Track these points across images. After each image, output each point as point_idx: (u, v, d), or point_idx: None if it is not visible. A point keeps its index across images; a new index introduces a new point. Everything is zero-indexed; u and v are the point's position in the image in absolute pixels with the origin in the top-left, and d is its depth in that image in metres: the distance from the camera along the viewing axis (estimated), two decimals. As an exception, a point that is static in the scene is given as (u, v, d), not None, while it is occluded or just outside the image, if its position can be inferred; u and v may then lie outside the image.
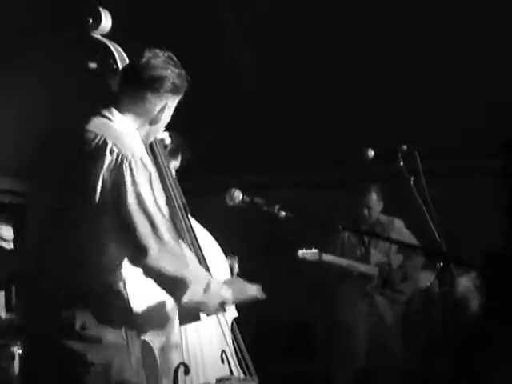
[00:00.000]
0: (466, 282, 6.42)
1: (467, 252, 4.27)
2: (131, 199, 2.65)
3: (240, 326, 3.55)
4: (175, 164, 3.82)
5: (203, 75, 3.01)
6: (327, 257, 5.75)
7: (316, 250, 5.68)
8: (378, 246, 6.03)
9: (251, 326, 6.80)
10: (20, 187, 6.48)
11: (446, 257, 3.32)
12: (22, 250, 2.93)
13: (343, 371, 5.93)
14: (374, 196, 6.05)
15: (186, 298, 2.76)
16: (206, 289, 2.81)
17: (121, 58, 2.95)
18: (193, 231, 3.30)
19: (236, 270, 4.29)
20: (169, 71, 2.82)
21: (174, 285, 2.74)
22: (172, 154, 3.76)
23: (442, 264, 3.35)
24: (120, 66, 2.94)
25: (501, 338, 5.68)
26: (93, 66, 2.94)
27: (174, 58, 2.88)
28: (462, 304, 6.25)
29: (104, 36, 2.97)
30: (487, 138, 6.32)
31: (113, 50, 2.95)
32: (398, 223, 6.10)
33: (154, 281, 2.75)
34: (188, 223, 3.29)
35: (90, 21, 2.93)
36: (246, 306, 3.23)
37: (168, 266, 2.69)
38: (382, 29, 6.69)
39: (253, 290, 3.16)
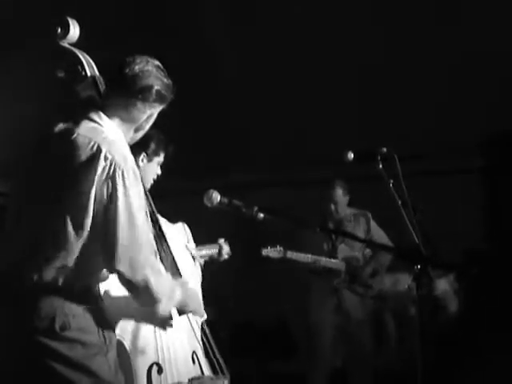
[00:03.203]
0: (444, 285, 6.46)
1: (447, 252, 4.27)
2: (121, 209, 2.69)
3: (219, 326, 3.58)
4: (159, 160, 3.83)
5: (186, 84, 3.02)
6: (292, 254, 5.70)
7: (280, 248, 5.62)
8: (346, 241, 6.00)
9: (231, 326, 6.83)
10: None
11: (424, 259, 3.31)
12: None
13: (317, 371, 5.92)
14: (339, 191, 6.01)
15: (156, 309, 2.88)
16: (171, 297, 2.92)
17: (89, 66, 2.98)
18: (164, 238, 3.32)
19: (227, 251, 4.36)
20: (159, 81, 2.87)
21: (145, 297, 2.81)
22: (155, 152, 3.78)
23: (419, 266, 3.32)
24: (88, 74, 2.97)
25: (481, 338, 5.71)
26: (60, 74, 2.94)
27: (162, 68, 2.92)
28: (440, 306, 6.29)
29: (72, 45, 2.98)
30: (467, 138, 6.35)
31: (81, 58, 2.97)
32: (366, 216, 6.08)
33: (126, 289, 2.81)
34: (159, 231, 3.30)
35: (59, 30, 2.93)
36: (227, 306, 3.29)
37: (141, 279, 2.74)
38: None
39: (198, 303, 3.27)
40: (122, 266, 2.71)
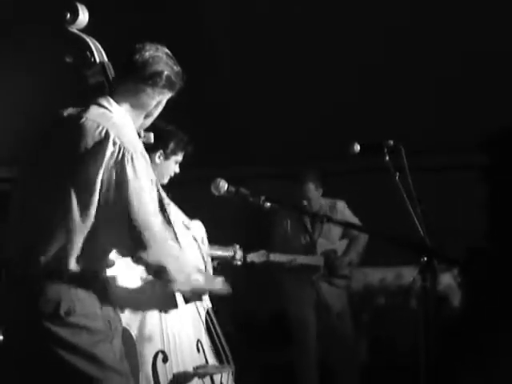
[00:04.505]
0: (448, 279, 6.47)
1: (450, 247, 4.26)
2: (132, 194, 2.71)
3: (219, 316, 3.60)
4: (177, 159, 3.83)
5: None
6: (275, 256, 5.65)
7: (263, 251, 5.52)
8: (323, 234, 6.00)
9: (230, 317, 6.80)
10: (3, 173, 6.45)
11: (429, 252, 3.30)
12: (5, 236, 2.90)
13: (306, 365, 5.94)
14: (310, 186, 5.99)
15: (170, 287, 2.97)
16: (187, 278, 2.97)
17: (98, 52, 3.00)
18: (172, 227, 3.31)
19: (240, 256, 4.40)
20: (169, 67, 2.90)
21: (161, 275, 2.85)
22: (173, 151, 3.78)
23: (425, 259, 3.31)
24: (97, 60, 2.98)
25: (482, 335, 5.71)
26: (69, 59, 2.95)
27: (172, 55, 2.95)
28: (443, 300, 6.28)
29: (81, 30, 2.99)
30: (470, 134, 6.36)
31: (90, 43, 2.99)
32: (341, 205, 6.07)
33: (145, 270, 2.88)
34: (167, 218, 3.30)
35: (68, 15, 2.93)
36: (226, 297, 3.32)
37: (158, 260, 2.78)
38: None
39: (219, 283, 3.32)
40: (139, 251, 2.74)
